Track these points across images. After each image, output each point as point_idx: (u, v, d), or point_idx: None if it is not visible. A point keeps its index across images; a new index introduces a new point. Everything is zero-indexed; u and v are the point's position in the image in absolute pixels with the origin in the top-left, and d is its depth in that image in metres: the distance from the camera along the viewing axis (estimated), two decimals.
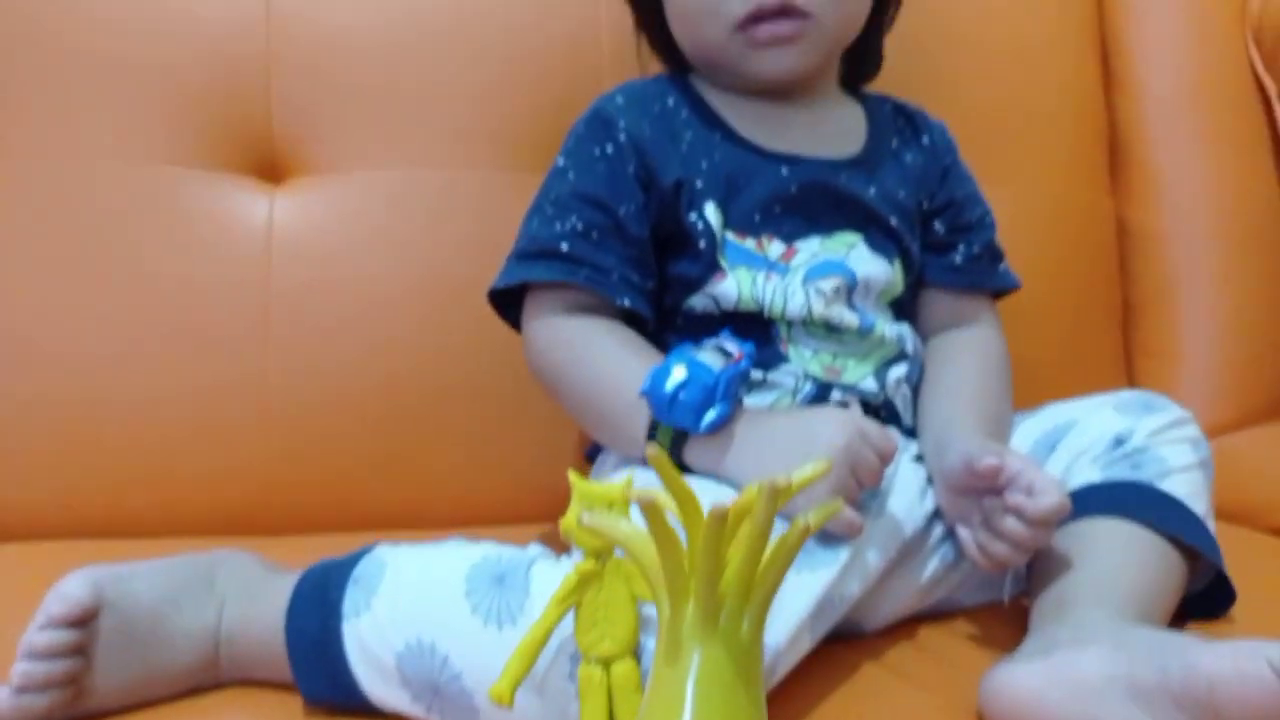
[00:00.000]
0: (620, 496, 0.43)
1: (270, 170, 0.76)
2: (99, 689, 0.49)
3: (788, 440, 0.54)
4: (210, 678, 0.52)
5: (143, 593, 0.52)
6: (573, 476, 0.44)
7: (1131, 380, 0.91)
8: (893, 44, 0.75)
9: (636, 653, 0.43)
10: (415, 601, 0.48)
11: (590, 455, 0.70)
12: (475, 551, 0.49)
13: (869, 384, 0.64)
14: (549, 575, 0.46)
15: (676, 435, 0.56)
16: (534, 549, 0.50)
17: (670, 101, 0.68)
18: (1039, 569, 0.59)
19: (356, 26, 0.77)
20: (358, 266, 0.75)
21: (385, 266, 0.76)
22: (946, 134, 0.75)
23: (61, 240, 0.72)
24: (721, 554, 0.29)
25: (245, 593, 0.53)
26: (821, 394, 0.62)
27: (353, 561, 0.51)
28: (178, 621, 0.52)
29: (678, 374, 0.55)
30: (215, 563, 0.55)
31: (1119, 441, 0.62)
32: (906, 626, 0.61)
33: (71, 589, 0.49)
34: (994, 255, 0.73)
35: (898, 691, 0.54)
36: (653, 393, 0.55)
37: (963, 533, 0.58)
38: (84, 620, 0.48)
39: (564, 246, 0.62)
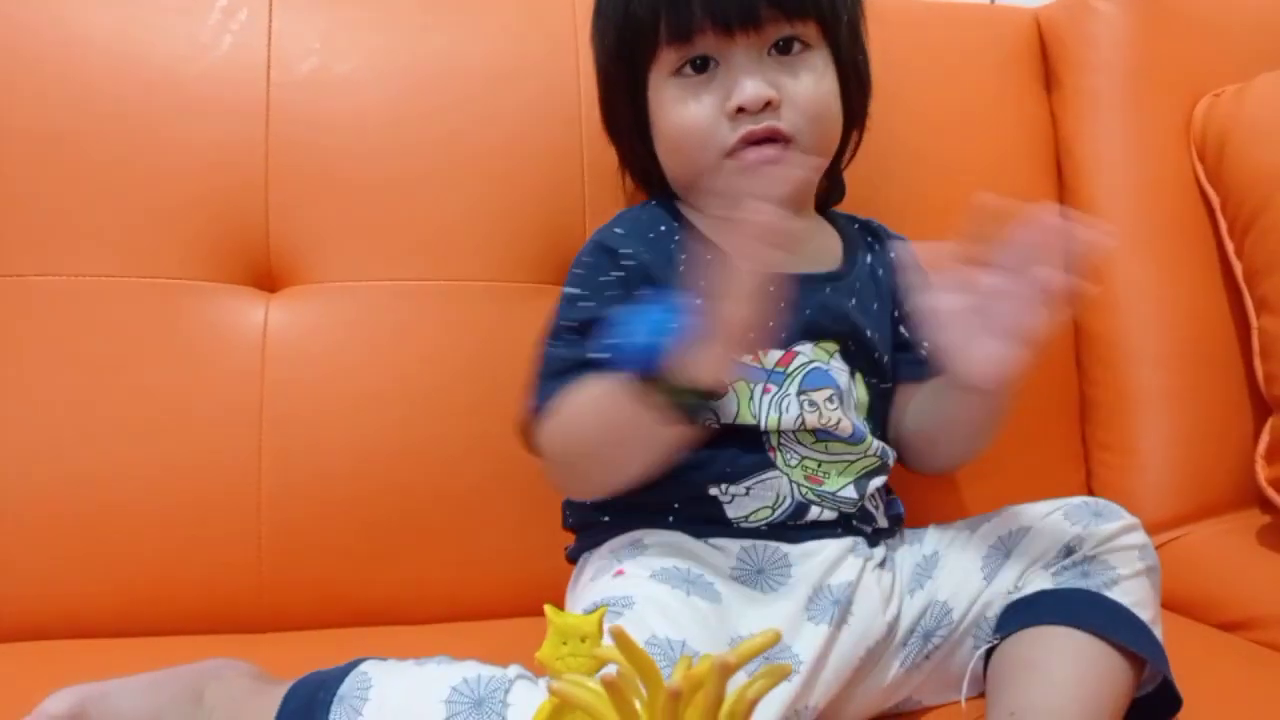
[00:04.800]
0: (594, 628, 0.46)
1: (266, 279, 0.80)
2: None
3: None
4: None
5: (127, 711, 0.54)
6: (549, 610, 0.47)
7: (1088, 471, 0.94)
8: (861, 163, 0.80)
9: None
10: None
11: (571, 556, 0.72)
12: (456, 672, 0.52)
13: (848, 492, 0.67)
14: (525, 700, 0.49)
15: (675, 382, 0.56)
16: (513, 670, 0.53)
17: (663, 227, 0.72)
18: (994, 675, 0.62)
19: (351, 147, 0.81)
20: (349, 375, 0.78)
21: (374, 372, 0.79)
22: (910, 247, 0.79)
23: (62, 352, 0.75)
24: None
25: (232, 710, 0.55)
26: (799, 511, 0.66)
27: (338, 677, 0.54)
28: None
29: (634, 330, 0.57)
30: (203, 676, 0.58)
31: (1070, 550, 0.65)
32: None
33: (54, 709, 0.51)
34: None
35: None
36: (631, 358, 0.56)
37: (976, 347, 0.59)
38: None
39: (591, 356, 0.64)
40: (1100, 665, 0.60)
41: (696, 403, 0.57)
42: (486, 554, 0.80)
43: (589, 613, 0.58)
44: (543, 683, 0.50)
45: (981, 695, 0.65)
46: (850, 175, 0.81)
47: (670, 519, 0.67)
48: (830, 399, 0.68)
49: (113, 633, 0.73)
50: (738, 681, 0.34)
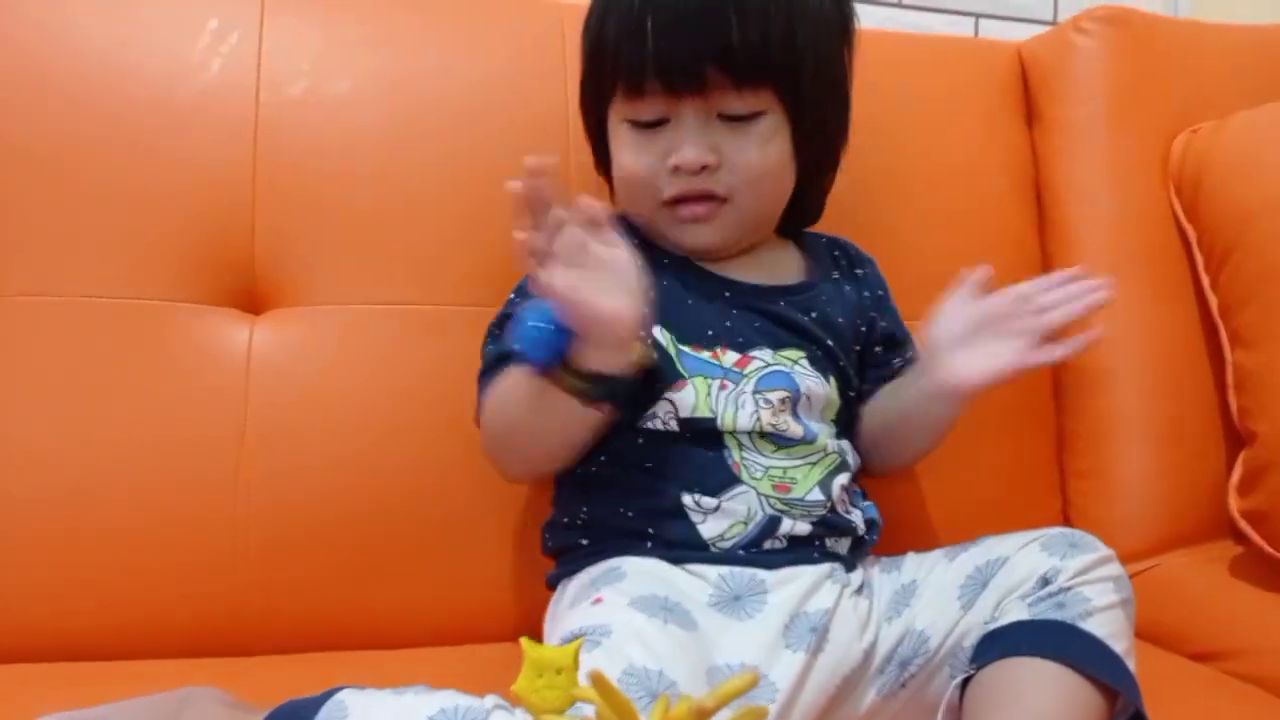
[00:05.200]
0: (569, 661, 0.47)
1: (251, 301, 0.80)
2: None
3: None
4: None
5: None
6: (525, 643, 0.47)
7: (1065, 500, 0.95)
8: (842, 190, 0.81)
9: None
10: None
11: (551, 583, 0.73)
12: (434, 702, 0.52)
13: (815, 495, 0.69)
14: None
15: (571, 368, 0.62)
16: (490, 700, 0.53)
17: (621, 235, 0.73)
18: (970, 705, 0.63)
19: (339, 169, 0.82)
20: (334, 398, 0.78)
21: (359, 395, 0.79)
22: (877, 267, 0.83)
23: (44, 371, 0.75)
24: None
25: None
26: (772, 525, 0.67)
27: (314, 707, 0.54)
28: None
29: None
30: (180, 704, 0.57)
31: (1046, 581, 0.66)
32: None
33: None
34: None
35: None
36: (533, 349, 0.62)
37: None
38: None
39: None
40: (1074, 697, 0.61)
41: (598, 387, 0.62)
42: (468, 578, 0.80)
43: (566, 643, 0.58)
44: (519, 714, 0.51)
45: None
46: (831, 199, 0.81)
47: (648, 545, 0.67)
48: (783, 401, 0.70)
49: (92, 655, 0.72)
50: None
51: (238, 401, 0.76)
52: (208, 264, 0.79)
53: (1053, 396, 0.95)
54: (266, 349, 0.78)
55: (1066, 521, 0.94)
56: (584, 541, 0.70)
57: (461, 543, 0.80)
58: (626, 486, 0.69)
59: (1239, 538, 0.88)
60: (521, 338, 0.62)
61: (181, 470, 0.75)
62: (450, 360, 0.79)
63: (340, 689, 0.55)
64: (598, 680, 0.33)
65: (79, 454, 0.74)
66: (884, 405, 0.78)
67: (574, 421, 0.65)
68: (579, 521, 0.71)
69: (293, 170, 0.81)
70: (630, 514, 0.68)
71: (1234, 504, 0.83)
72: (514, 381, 0.66)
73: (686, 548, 0.67)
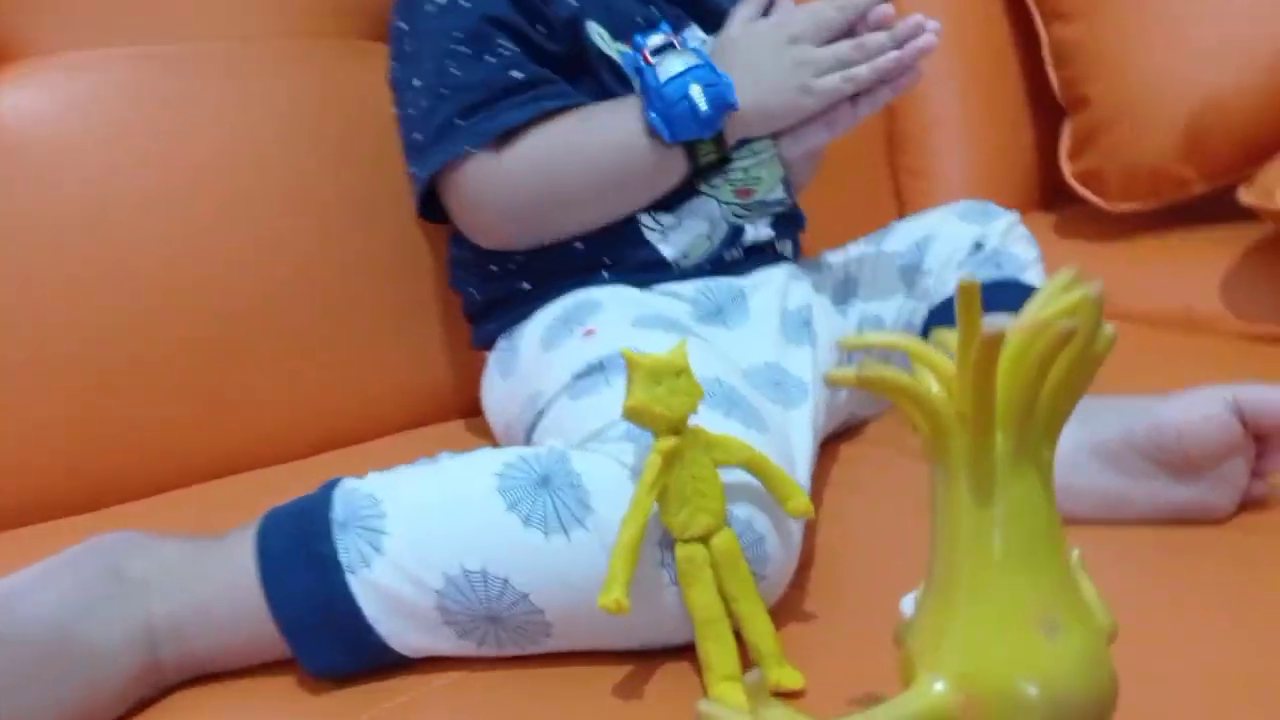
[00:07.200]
0: (684, 361, 0.40)
1: None
2: None
3: (768, 60, 0.58)
4: (150, 686, 0.42)
5: (31, 613, 0.40)
6: (627, 354, 0.39)
7: (900, 200, 0.99)
8: None
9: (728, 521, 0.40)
10: (445, 531, 0.41)
11: (483, 342, 0.63)
12: (491, 461, 0.43)
13: (778, 193, 0.64)
14: (596, 467, 0.41)
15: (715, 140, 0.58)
16: (551, 447, 0.44)
17: None
18: None
19: None
20: (124, 176, 0.61)
21: (156, 169, 0.62)
22: None
23: None
24: (1030, 378, 0.27)
25: (179, 577, 0.43)
26: (735, 235, 0.61)
27: (320, 506, 0.43)
28: (92, 633, 0.40)
29: (695, 93, 0.56)
30: (109, 551, 0.43)
31: (979, 245, 0.67)
32: (828, 450, 0.63)
33: None
34: None
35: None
36: (677, 125, 0.56)
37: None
38: None
39: (516, 74, 0.57)
40: None
41: (719, 157, 0.58)
42: (355, 366, 0.67)
43: (562, 390, 0.51)
44: (602, 449, 0.43)
45: None
46: None
47: (605, 275, 0.60)
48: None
49: None
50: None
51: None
52: None
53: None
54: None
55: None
56: (525, 285, 0.60)
57: (335, 328, 0.66)
58: None
59: (1049, 207, 0.97)
60: (680, 112, 0.56)
61: None
62: (270, 109, 0.64)
63: (335, 481, 0.44)
64: (965, 290, 0.27)
65: None
66: None
67: (662, 185, 0.59)
68: (512, 266, 0.61)
69: None
70: (579, 245, 0.60)
71: (1067, 169, 0.89)
72: (613, 134, 0.58)
73: (650, 270, 0.60)
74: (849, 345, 0.28)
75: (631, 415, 0.39)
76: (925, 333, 0.69)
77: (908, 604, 0.32)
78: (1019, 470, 0.28)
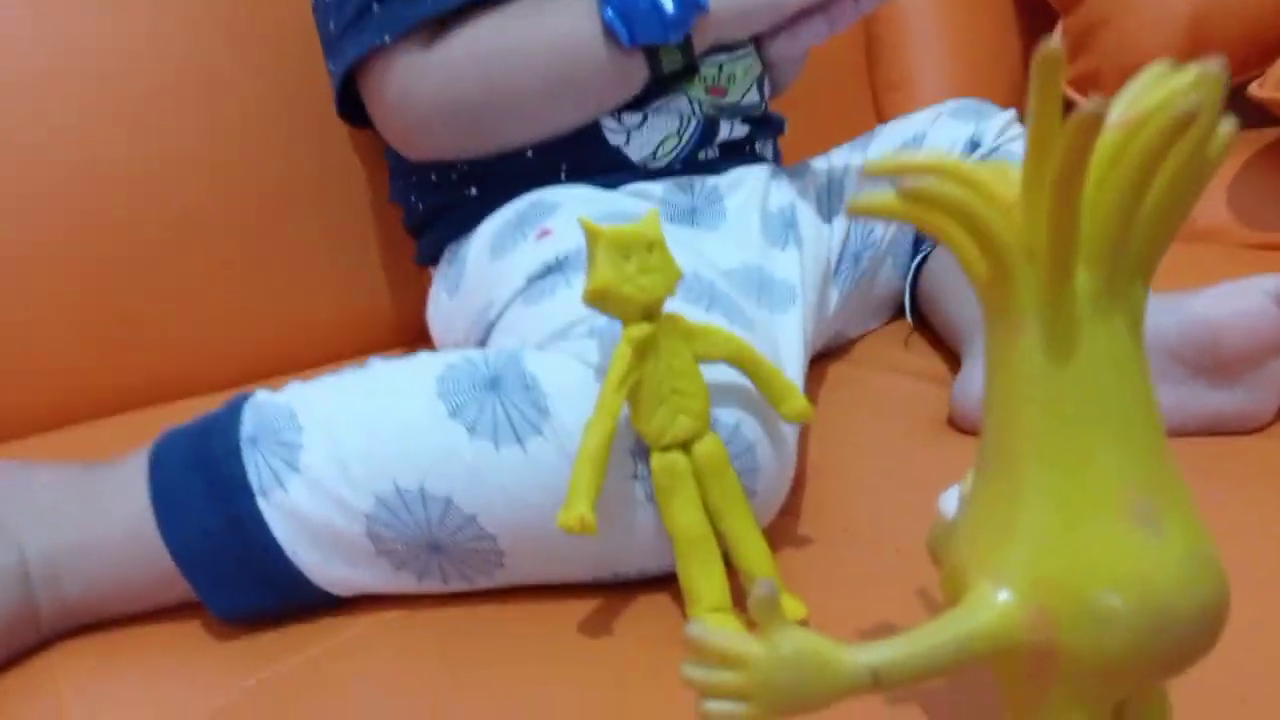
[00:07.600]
0: (656, 232, 0.33)
1: None
2: None
3: None
4: (24, 638, 0.35)
5: None
6: (587, 226, 0.32)
7: (878, 113, 0.93)
8: None
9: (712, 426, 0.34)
10: (374, 444, 0.34)
11: (427, 255, 0.56)
12: (430, 362, 0.36)
13: (752, 96, 0.57)
14: (554, 366, 0.35)
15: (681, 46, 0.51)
16: (501, 347, 0.37)
17: None
18: (927, 294, 0.59)
19: None
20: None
21: (33, 62, 0.54)
22: None
23: None
24: (1131, 184, 0.20)
25: (53, 513, 0.36)
26: (709, 132, 0.54)
27: (227, 422, 0.36)
28: None
29: None
30: None
31: (975, 144, 0.61)
32: (814, 371, 0.57)
33: None
34: None
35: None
36: (637, 26, 0.49)
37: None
38: None
39: None
40: None
41: (686, 65, 0.51)
42: (283, 289, 0.61)
43: (517, 296, 0.44)
44: (555, 349, 0.36)
45: (899, 318, 0.64)
46: None
47: (562, 178, 0.53)
48: None
49: None
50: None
51: None
52: None
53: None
54: None
55: None
56: (471, 191, 0.53)
57: (260, 249, 0.60)
58: None
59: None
60: (641, 10, 0.49)
61: None
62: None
63: (245, 396, 0.37)
64: (1044, 62, 0.19)
65: None
66: None
67: (618, 94, 0.52)
68: (455, 176, 0.53)
69: None
70: (529, 152, 0.52)
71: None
72: (543, 40, 0.50)
73: (614, 172, 0.53)
74: (873, 170, 0.22)
75: (595, 299, 0.32)
76: (919, 243, 0.63)
77: (948, 501, 0.26)
78: (1106, 317, 0.22)
